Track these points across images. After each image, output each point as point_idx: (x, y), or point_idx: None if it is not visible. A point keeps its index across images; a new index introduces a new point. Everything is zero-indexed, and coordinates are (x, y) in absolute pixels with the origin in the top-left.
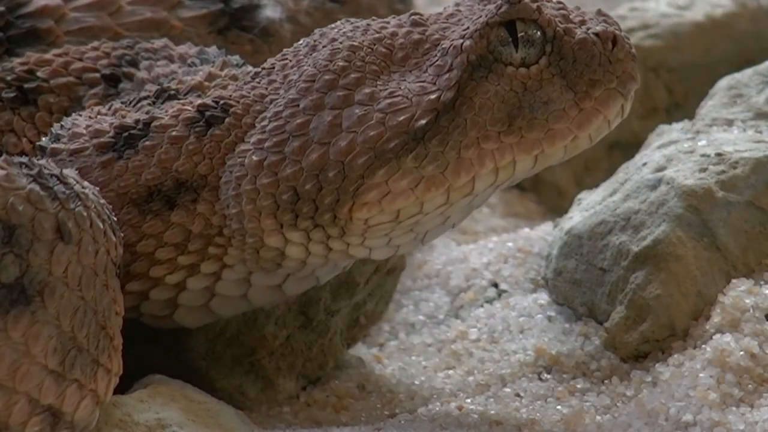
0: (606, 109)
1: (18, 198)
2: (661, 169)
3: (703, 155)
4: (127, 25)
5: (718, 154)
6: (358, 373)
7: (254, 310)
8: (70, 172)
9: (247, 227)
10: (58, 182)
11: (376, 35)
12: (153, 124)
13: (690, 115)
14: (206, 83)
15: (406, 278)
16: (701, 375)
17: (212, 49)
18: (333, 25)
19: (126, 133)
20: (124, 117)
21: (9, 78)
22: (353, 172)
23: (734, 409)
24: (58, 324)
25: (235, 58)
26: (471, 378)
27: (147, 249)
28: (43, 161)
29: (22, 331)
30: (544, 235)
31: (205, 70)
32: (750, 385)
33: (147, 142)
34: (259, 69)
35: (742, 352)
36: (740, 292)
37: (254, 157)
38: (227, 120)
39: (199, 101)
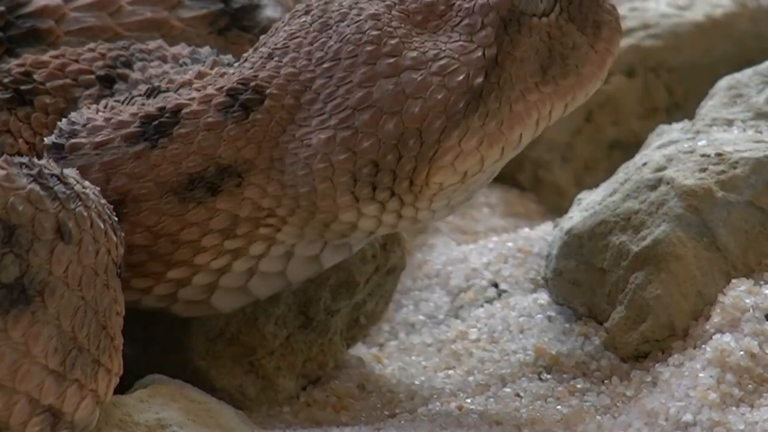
0: (614, 48)
1: (18, 198)
2: (661, 169)
3: (703, 155)
4: (128, 25)
5: (718, 154)
6: (358, 373)
7: (254, 310)
8: (70, 172)
9: (320, 205)
10: (58, 182)
11: (387, 2)
12: (183, 111)
13: (690, 115)
14: (196, 80)
15: (406, 278)
16: (701, 375)
17: (205, 50)
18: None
19: (155, 122)
20: (144, 106)
21: (6, 80)
22: (430, 137)
23: (734, 409)
24: (58, 324)
25: (228, 58)
26: (471, 378)
27: (191, 237)
28: (43, 161)
29: (23, 331)
30: (544, 235)
31: (195, 68)
32: (750, 385)
33: (181, 130)
34: (265, 49)
35: (742, 352)
36: (740, 292)
37: (322, 136)
38: (267, 102)
39: (227, 85)
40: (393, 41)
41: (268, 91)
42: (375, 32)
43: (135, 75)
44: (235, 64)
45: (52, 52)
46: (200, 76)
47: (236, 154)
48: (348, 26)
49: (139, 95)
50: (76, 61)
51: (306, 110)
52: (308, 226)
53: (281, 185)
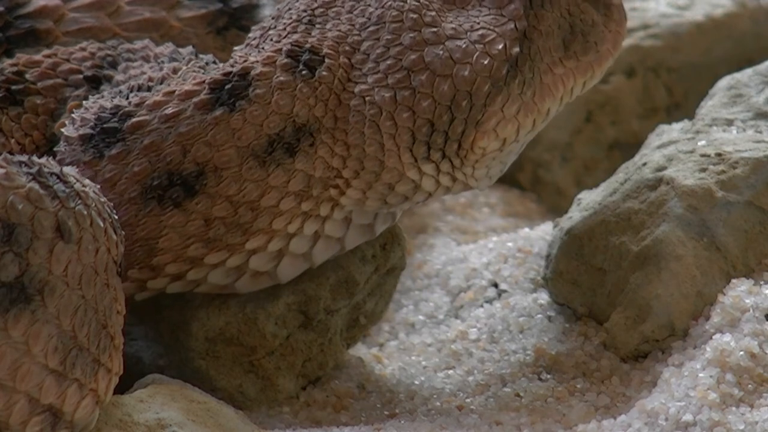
0: (624, 29)
1: (17, 196)
2: (661, 169)
3: (703, 155)
4: (126, 25)
5: (718, 154)
6: (358, 373)
7: (254, 310)
8: (70, 170)
9: (387, 163)
10: (57, 181)
11: None
12: (251, 73)
13: (690, 115)
14: (172, 75)
15: (406, 278)
16: (701, 375)
17: (185, 49)
18: None
19: (228, 85)
20: (206, 74)
21: None
22: (479, 100)
23: (734, 409)
24: (58, 323)
25: (208, 57)
26: (471, 378)
27: (270, 202)
28: (43, 159)
29: (23, 330)
30: (544, 235)
31: (170, 65)
32: (750, 385)
33: (257, 91)
34: (297, 13)
35: (742, 352)
36: (740, 292)
37: (385, 94)
38: (327, 61)
39: (285, 47)
40: (431, 13)
41: (324, 51)
42: (415, 3)
43: (118, 76)
44: (252, 41)
45: (46, 51)
46: (174, 70)
47: (308, 112)
48: None
49: (121, 91)
50: (68, 60)
51: (359, 69)
52: (372, 189)
53: (346, 145)
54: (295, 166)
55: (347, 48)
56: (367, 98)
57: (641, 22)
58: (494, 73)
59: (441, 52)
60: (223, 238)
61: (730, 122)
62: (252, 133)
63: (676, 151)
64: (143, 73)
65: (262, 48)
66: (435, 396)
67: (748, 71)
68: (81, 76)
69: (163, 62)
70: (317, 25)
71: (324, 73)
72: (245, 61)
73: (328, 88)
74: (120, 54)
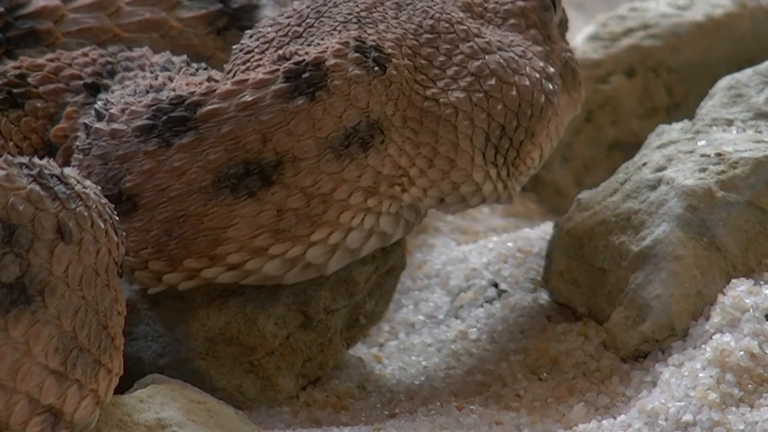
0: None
1: (18, 198)
2: (661, 169)
3: (703, 155)
4: (126, 26)
5: (718, 154)
6: (358, 373)
7: (254, 310)
8: (71, 172)
9: (458, 163)
10: (58, 182)
11: None
12: (326, 64)
13: (690, 115)
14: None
15: (406, 278)
16: (701, 375)
17: (178, 58)
18: None
19: (305, 75)
20: (286, 57)
21: (0, 82)
22: (537, 110)
23: (734, 409)
24: (59, 324)
25: (201, 65)
26: (471, 378)
27: (341, 195)
28: (44, 161)
29: (23, 331)
30: (544, 235)
31: (165, 75)
32: (750, 385)
33: (335, 82)
34: (343, 15)
35: (742, 352)
36: (740, 292)
37: (459, 95)
38: (394, 60)
39: (352, 42)
40: (475, 25)
41: (387, 51)
42: (462, 14)
43: (114, 86)
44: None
45: (49, 55)
46: (170, 79)
47: (380, 109)
48: (428, 6)
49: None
50: (70, 65)
51: (423, 74)
52: (434, 188)
53: (415, 144)
54: (368, 162)
55: (408, 51)
56: (440, 100)
57: (641, 22)
58: (543, 87)
59: (501, 61)
60: (292, 230)
61: (730, 122)
62: (331, 125)
63: (676, 151)
64: (138, 85)
65: (311, 42)
66: (435, 396)
67: (748, 71)
68: (81, 83)
69: (156, 71)
70: (368, 26)
71: (393, 72)
72: (306, 53)
73: (398, 87)
74: (119, 62)
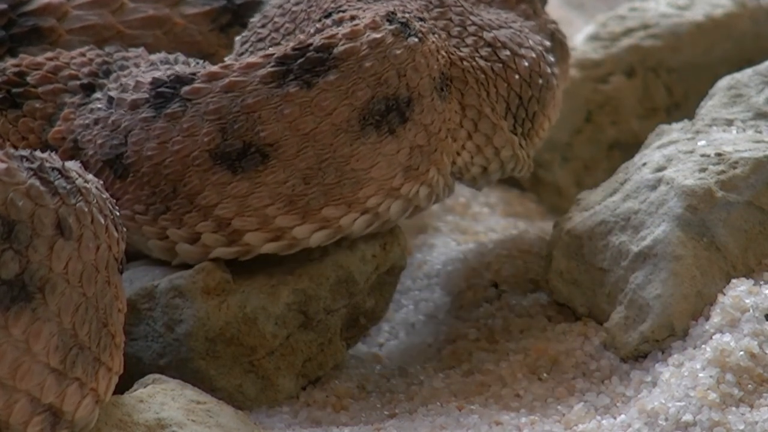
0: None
1: (17, 193)
2: (660, 169)
3: (702, 155)
4: (130, 22)
5: (718, 154)
6: (358, 373)
7: (254, 310)
8: (72, 165)
9: (498, 124)
10: (59, 176)
11: None
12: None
13: (690, 115)
14: None
15: (406, 278)
16: (701, 375)
17: (173, 56)
18: None
19: (402, 20)
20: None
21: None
22: (545, 81)
23: (734, 409)
24: (59, 321)
25: (200, 62)
26: (471, 378)
27: (443, 135)
28: (45, 154)
29: (23, 329)
30: (544, 235)
31: (164, 67)
32: (750, 385)
33: (424, 28)
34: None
35: (742, 352)
36: (740, 292)
37: (481, 63)
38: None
39: (385, 17)
40: (469, 3)
41: (417, 26)
42: None
43: (110, 85)
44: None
45: (48, 54)
46: None
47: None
48: None
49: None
50: (68, 65)
51: (453, 41)
52: (480, 154)
53: (461, 105)
54: (465, 101)
55: (432, 23)
56: (465, 64)
57: (641, 22)
58: (546, 58)
59: (510, 33)
60: (419, 167)
61: (730, 122)
62: (435, 66)
63: (676, 151)
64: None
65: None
66: (435, 396)
67: (748, 71)
68: (78, 83)
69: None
70: (382, 2)
71: (433, 37)
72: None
73: (425, 56)
74: (116, 62)
